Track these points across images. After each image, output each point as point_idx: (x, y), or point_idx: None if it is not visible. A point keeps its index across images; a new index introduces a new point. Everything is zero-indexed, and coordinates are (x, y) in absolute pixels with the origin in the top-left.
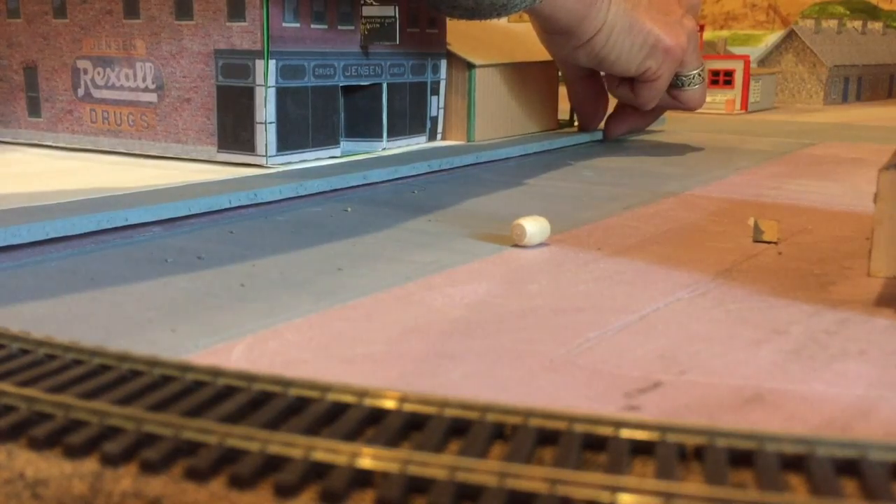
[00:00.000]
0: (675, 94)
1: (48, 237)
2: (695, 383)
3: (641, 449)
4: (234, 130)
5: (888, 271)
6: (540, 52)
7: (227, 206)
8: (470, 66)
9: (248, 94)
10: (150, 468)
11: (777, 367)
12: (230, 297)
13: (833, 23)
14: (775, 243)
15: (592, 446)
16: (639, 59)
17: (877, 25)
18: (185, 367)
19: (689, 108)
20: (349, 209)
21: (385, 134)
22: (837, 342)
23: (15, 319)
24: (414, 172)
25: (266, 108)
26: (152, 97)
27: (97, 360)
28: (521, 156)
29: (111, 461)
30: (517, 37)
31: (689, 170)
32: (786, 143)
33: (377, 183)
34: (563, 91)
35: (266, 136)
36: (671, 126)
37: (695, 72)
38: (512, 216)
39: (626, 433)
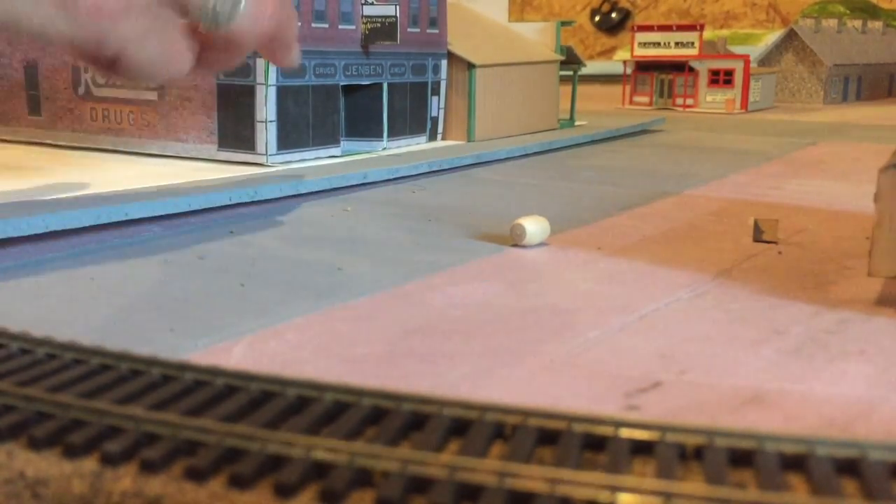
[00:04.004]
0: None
1: (48, 230)
2: (695, 383)
3: (641, 449)
4: (235, 129)
5: (888, 271)
6: (540, 53)
7: (228, 202)
8: (470, 66)
9: (249, 92)
10: (150, 468)
11: (777, 367)
12: (230, 297)
13: (833, 22)
14: (775, 243)
15: (592, 446)
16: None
17: (877, 24)
18: (185, 367)
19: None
20: (349, 209)
21: (385, 134)
22: (837, 342)
23: (15, 319)
24: (414, 172)
25: (266, 107)
26: (153, 95)
27: (97, 359)
28: (521, 156)
29: (111, 461)
30: (517, 37)
31: (689, 170)
32: (786, 143)
33: (377, 182)
34: (564, 90)
35: (266, 134)
36: (671, 126)
37: None
38: (512, 216)
39: (626, 433)
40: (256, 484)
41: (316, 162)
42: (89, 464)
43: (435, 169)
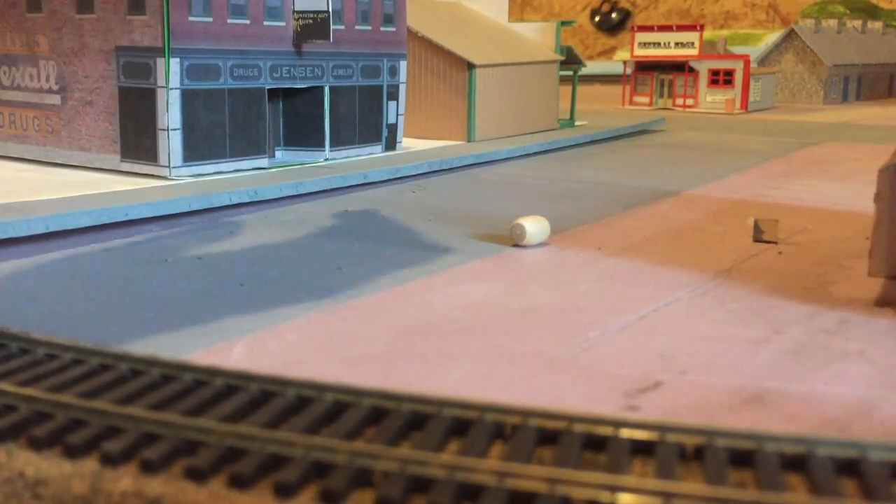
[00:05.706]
0: None
1: (48, 230)
2: (695, 383)
3: (641, 449)
4: (137, 138)
5: (888, 271)
6: (540, 53)
7: (228, 203)
8: (470, 66)
9: (150, 96)
10: (150, 468)
11: (777, 367)
12: (230, 297)
13: (833, 22)
14: (775, 243)
15: (592, 446)
16: None
17: (877, 25)
18: (185, 367)
19: None
20: (349, 209)
21: (328, 143)
22: (837, 342)
23: (15, 319)
24: (414, 172)
25: (168, 113)
26: (56, 99)
27: (97, 360)
28: (521, 156)
29: (111, 461)
30: (517, 37)
31: (689, 169)
32: (786, 143)
33: (377, 182)
34: (564, 90)
35: (169, 144)
36: (671, 126)
37: None
38: (512, 216)
39: (626, 433)
40: (256, 484)
41: (236, 174)
42: (89, 464)
43: (435, 169)
